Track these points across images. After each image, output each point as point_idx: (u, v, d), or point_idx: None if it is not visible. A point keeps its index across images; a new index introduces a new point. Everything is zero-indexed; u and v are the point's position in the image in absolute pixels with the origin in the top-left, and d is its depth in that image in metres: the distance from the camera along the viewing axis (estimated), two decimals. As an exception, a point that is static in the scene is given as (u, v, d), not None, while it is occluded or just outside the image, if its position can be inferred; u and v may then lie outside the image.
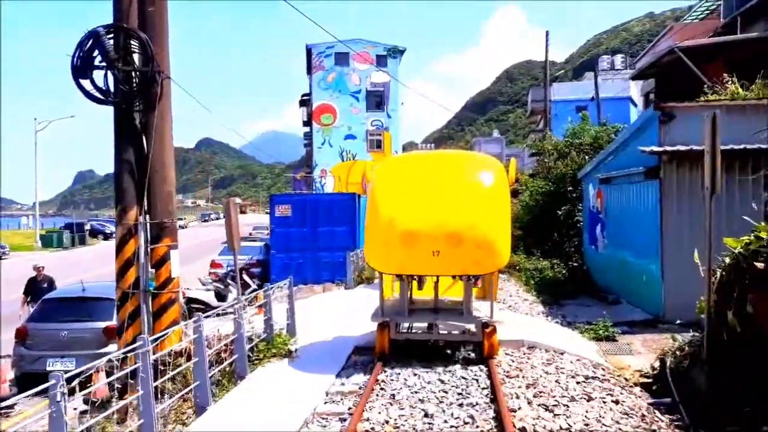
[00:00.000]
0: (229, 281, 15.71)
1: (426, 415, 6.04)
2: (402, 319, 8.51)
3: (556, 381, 7.06)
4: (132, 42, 7.90)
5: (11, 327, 10.95)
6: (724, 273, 6.70)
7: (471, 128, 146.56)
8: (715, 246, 6.69)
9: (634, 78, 26.83)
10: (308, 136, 51.23)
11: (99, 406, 6.52)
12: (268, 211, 21.70)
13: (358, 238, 19.74)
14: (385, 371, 7.62)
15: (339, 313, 12.27)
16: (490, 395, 6.56)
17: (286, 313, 9.97)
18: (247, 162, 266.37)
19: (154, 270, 8.15)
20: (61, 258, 34.86)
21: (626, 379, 7.59)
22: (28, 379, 8.68)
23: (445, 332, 8.46)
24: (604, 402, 6.37)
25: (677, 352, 7.32)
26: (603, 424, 5.72)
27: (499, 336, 8.41)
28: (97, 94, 7.95)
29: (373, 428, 5.81)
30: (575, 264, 17.32)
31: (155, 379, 6.45)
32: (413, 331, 8.84)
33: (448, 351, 8.41)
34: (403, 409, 6.27)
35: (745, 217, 6.95)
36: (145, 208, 8.13)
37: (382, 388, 6.98)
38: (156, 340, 6.58)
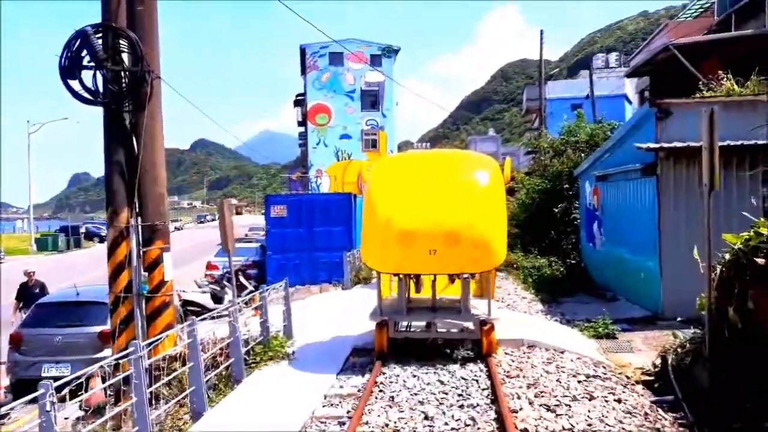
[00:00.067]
0: (225, 283, 15.61)
1: (426, 418, 5.95)
2: (400, 318, 8.52)
3: (557, 380, 6.99)
4: (121, 41, 7.77)
5: (4, 333, 10.82)
6: (724, 269, 6.65)
7: (466, 127, 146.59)
8: (714, 242, 6.62)
9: (629, 76, 26.81)
10: (303, 136, 51.14)
11: (95, 412, 6.42)
12: (264, 211, 21.58)
13: (355, 238, 19.64)
14: (383, 373, 7.52)
15: (336, 313, 12.17)
16: (491, 396, 6.47)
17: (283, 315, 9.88)
18: (243, 163, 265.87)
19: (146, 273, 8.04)
20: (57, 261, 34.67)
21: (628, 377, 7.51)
22: (24, 386, 8.56)
23: (444, 330, 8.47)
24: (607, 401, 6.29)
25: (678, 350, 7.26)
26: (606, 424, 5.65)
27: (499, 335, 8.40)
28: (86, 95, 7.80)
29: None
30: (573, 261, 17.27)
31: (150, 385, 6.37)
32: (412, 329, 8.84)
33: (447, 350, 8.36)
34: (402, 411, 6.17)
35: (744, 213, 6.89)
36: (137, 210, 8.01)
37: (381, 390, 6.88)
38: (150, 344, 6.48)
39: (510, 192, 23.94)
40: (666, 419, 6.00)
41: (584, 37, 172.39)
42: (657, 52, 17.51)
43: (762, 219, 6.44)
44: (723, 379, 6.26)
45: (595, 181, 15.31)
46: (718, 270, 6.65)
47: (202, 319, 8.85)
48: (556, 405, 6.13)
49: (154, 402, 6.87)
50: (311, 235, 19.65)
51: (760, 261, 6.07)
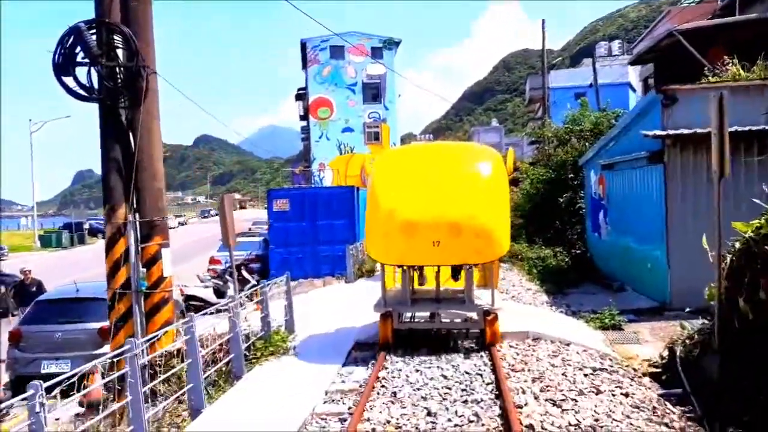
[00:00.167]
0: (228, 277, 15.51)
1: (429, 414, 5.81)
2: (404, 309, 8.61)
3: (563, 374, 6.83)
4: (115, 37, 7.65)
5: (3, 330, 10.75)
6: (734, 258, 6.48)
7: (469, 118, 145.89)
8: (723, 230, 6.45)
9: (632, 63, 26.50)
10: (305, 130, 50.92)
11: (94, 409, 6.32)
12: (267, 205, 21.48)
13: (358, 232, 19.53)
14: (386, 367, 7.40)
15: (339, 306, 12.06)
16: (495, 391, 6.33)
17: (285, 310, 9.78)
18: (246, 158, 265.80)
19: (145, 269, 7.93)
20: (60, 258, 34.70)
21: (635, 370, 7.36)
22: (23, 382, 8.48)
23: (448, 321, 8.60)
24: (614, 395, 6.14)
25: (687, 341, 7.10)
26: (613, 419, 5.49)
27: (504, 327, 8.38)
28: (81, 91, 7.68)
29: (374, 429, 5.59)
30: (578, 252, 17.09)
31: (150, 381, 6.27)
32: (416, 320, 8.95)
33: (451, 342, 8.36)
34: (405, 407, 6.04)
35: (755, 200, 6.69)
36: (134, 205, 7.90)
37: (383, 386, 6.75)
38: (148, 341, 6.38)
39: (514, 182, 23.76)
40: (674, 413, 5.85)
41: (586, 25, 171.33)
42: (661, 39, 17.22)
43: (773, 206, 6.26)
44: (733, 371, 6.11)
45: (600, 170, 15.10)
46: (728, 259, 6.47)
47: (204, 314, 8.78)
48: (562, 400, 5.97)
49: (152, 399, 6.79)
50: (314, 229, 19.56)
51: (773, 249, 5.90)
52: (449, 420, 5.65)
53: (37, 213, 52.61)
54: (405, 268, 8.48)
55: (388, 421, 5.71)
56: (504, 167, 8.78)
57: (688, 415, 5.83)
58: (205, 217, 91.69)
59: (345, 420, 5.87)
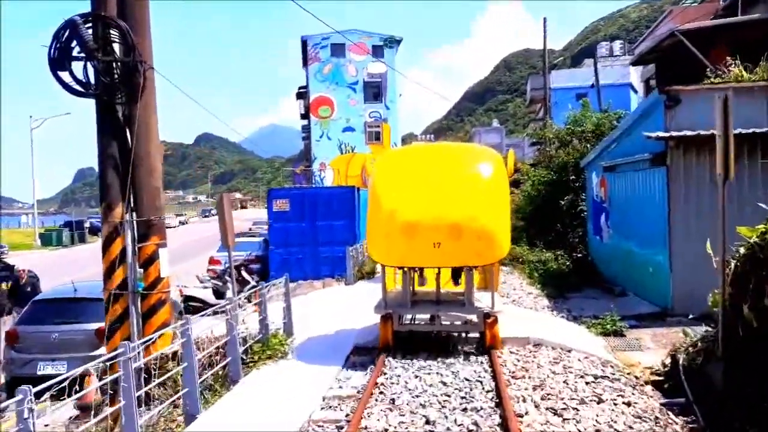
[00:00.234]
0: (227, 278, 15.42)
1: (427, 422, 5.69)
2: (405, 311, 8.60)
3: (564, 381, 6.72)
4: (112, 31, 7.52)
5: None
6: (738, 264, 6.36)
7: (470, 118, 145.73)
8: (727, 235, 6.34)
9: (634, 63, 26.37)
10: (306, 129, 50.80)
11: (90, 411, 6.22)
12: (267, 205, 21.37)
13: (358, 232, 19.42)
14: (384, 373, 7.28)
15: (338, 309, 11.96)
16: (495, 399, 6.21)
17: (283, 312, 9.67)
18: (247, 157, 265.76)
19: (142, 270, 7.82)
20: (60, 256, 34.64)
21: (637, 377, 7.25)
22: (19, 383, 8.39)
23: (448, 323, 8.61)
24: (615, 404, 6.02)
25: (690, 348, 6.98)
26: (615, 430, 5.38)
27: (504, 333, 8.31)
28: (77, 87, 7.56)
29: (371, 437, 5.49)
30: (579, 255, 16.97)
31: (146, 384, 6.18)
32: (416, 322, 8.96)
33: (451, 347, 8.29)
34: (403, 415, 5.92)
35: (761, 204, 6.57)
36: (132, 204, 7.80)
37: (381, 392, 6.63)
38: (144, 343, 6.28)
39: (515, 184, 23.64)
40: (677, 423, 5.75)
41: (587, 25, 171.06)
42: (663, 39, 17.11)
43: (779, 211, 6.15)
44: (737, 380, 6.00)
45: (602, 172, 14.99)
46: (733, 265, 6.35)
47: (203, 316, 8.68)
48: (563, 408, 5.86)
49: (148, 402, 6.68)
50: (314, 229, 19.44)
51: (779, 255, 5.80)
52: (448, 429, 5.54)
53: (38, 211, 52.53)
54: (406, 269, 8.47)
55: (386, 430, 5.60)
56: (504, 169, 8.78)
57: (690, 425, 5.73)
58: (205, 216, 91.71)
59: (342, 427, 5.76)
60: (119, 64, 7.61)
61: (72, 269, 19.64)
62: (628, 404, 6.04)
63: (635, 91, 37.04)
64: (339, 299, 13.72)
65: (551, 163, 22.07)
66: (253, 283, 15.84)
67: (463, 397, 6.30)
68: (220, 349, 7.71)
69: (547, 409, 5.89)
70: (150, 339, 6.56)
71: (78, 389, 4.89)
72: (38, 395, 4.34)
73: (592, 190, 16.67)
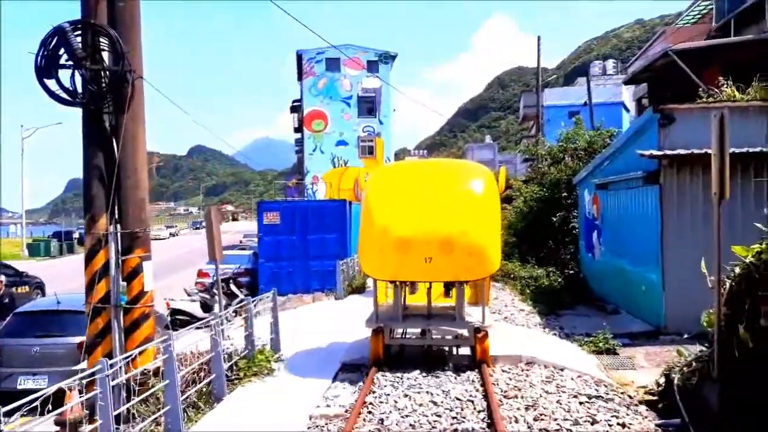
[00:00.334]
0: (215, 291, 15.19)
1: (416, 443, 5.54)
2: (396, 325, 8.60)
3: (558, 401, 6.57)
4: (101, 39, 7.39)
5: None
6: (733, 284, 6.28)
7: (463, 135, 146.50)
8: (722, 254, 6.25)
9: (627, 83, 26.54)
10: (299, 142, 50.79)
11: (70, 427, 6.00)
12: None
13: (350, 246, 19.27)
14: (373, 392, 7.10)
15: (327, 324, 11.77)
16: (487, 419, 6.05)
17: (270, 327, 9.47)
18: (240, 169, 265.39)
19: (125, 283, 7.63)
20: (48, 267, 34.10)
21: (630, 397, 7.10)
22: (-3, 398, 8.15)
23: (439, 337, 8.66)
24: (610, 425, 5.88)
25: (684, 368, 6.86)
26: (610, 453, 5.24)
27: (496, 350, 8.23)
28: (64, 95, 7.40)
29: (358, 458, 5.31)
30: (571, 272, 16.87)
31: (127, 400, 5.97)
32: (407, 336, 9.00)
33: (441, 363, 8.20)
34: (391, 435, 5.75)
35: (757, 225, 6.50)
36: (116, 216, 7.62)
37: (369, 412, 6.45)
38: (125, 359, 6.08)
39: (507, 200, 23.60)
40: (674, 445, 5.60)
41: (581, 44, 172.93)
42: (656, 58, 17.22)
43: (774, 230, 6.08)
44: (732, 401, 5.88)
45: (594, 190, 14.96)
46: (728, 284, 6.27)
47: (189, 329, 8.47)
48: (557, 430, 5.70)
49: (130, 419, 6.47)
50: (304, 243, 19.29)
51: (775, 276, 5.71)
52: (438, 450, 5.38)
53: (28, 221, 52.01)
54: (398, 283, 8.48)
55: (374, 451, 5.43)
56: (496, 185, 8.87)
57: (687, 447, 5.59)
58: (196, 228, 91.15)
59: (328, 448, 5.58)
60: (108, 72, 7.47)
61: (59, 281, 19.37)
62: (623, 425, 5.90)
63: (627, 110, 37.31)
64: (328, 314, 13.53)
65: (543, 180, 22.07)
66: (241, 296, 15.60)
67: (454, 417, 6.13)
68: (205, 366, 7.51)
69: (540, 430, 5.74)
70: (130, 355, 6.35)
71: (61, 404, 4.72)
72: (11, 413, 4.15)
73: (584, 207, 16.63)
